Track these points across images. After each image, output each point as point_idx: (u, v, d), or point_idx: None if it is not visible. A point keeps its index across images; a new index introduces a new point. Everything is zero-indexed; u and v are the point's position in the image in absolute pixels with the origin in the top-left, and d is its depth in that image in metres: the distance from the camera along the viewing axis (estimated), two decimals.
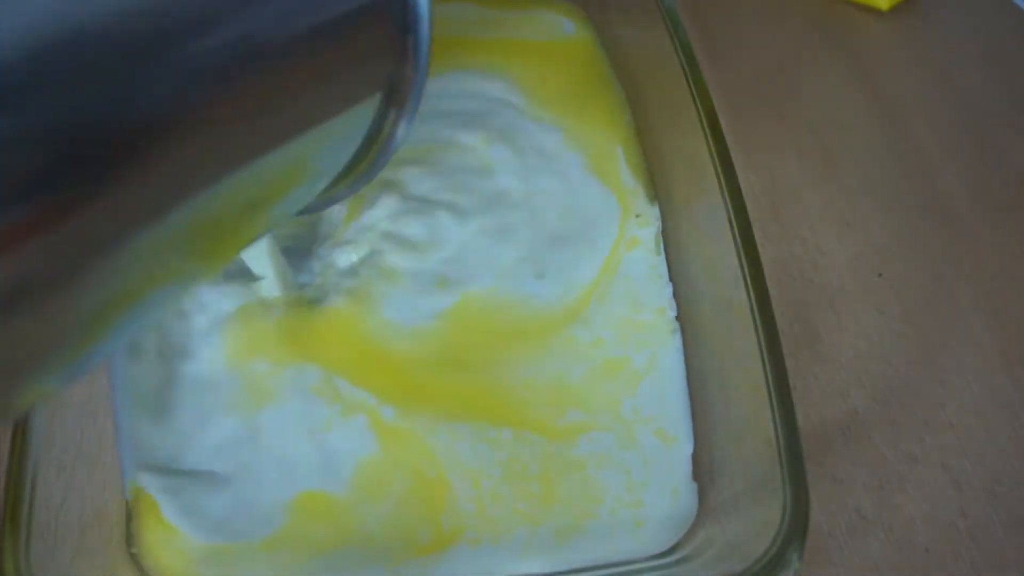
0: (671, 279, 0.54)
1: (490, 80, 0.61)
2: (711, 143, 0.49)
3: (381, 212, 0.53)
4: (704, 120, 0.50)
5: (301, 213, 0.44)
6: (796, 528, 0.38)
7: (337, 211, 0.54)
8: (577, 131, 0.58)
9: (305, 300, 0.50)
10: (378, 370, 0.49)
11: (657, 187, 0.57)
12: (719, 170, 0.48)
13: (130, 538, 0.43)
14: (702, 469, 0.48)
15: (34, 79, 0.24)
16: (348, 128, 0.39)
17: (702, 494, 0.47)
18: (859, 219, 0.63)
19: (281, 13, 0.32)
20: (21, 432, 0.37)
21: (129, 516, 0.44)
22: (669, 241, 0.55)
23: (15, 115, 0.23)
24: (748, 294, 0.44)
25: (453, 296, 0.52)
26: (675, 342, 0.52)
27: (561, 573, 0.44)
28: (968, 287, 0.60)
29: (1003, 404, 0.55)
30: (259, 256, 0.48)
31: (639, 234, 0.55)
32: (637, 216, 0.55)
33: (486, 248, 0.54)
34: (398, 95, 0.40)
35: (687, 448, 0.48)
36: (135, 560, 0.42)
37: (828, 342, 0.56)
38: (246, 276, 0.49)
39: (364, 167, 0.43)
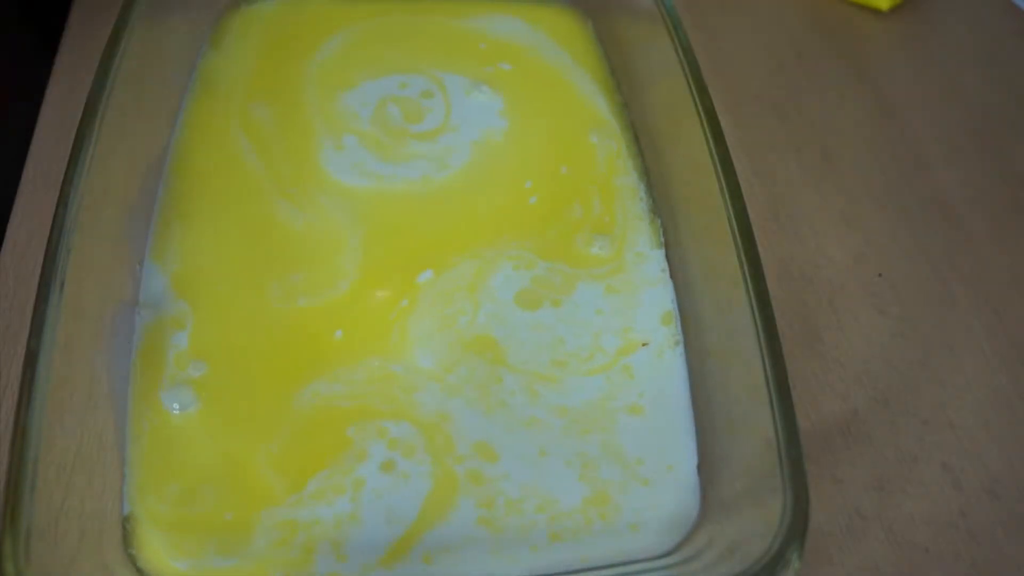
0: (672, 278, 0.54)
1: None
2: (711, 143, 0.49)
3: None
4: (704, 120, 0.50)
5: None
6: (796, 528, 0.38)
7: None
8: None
9: None
10: None
11: (656, 188, 0.57)
12: (719, 170, 0.48)
13: (128, 539, 0.43)
14: (703, 469, 0.48)
15: None
16: None
17: (703, 495, 0.47)
18: (859, 219, 0.63)
19: None
20: (21, 433, 0.37)
21: (127, 519, 0.44)
22: (669, 241, 0.55)
23: None
24: (748, 294, 0.45)
25: None
26: (677, 340, 0.52)
27: (563, 573, 0.44)
28: (968, 287, 0.60)
29: (1003, 404, 0.55)
30: None
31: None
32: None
33: None
34: None
35: (691, 450, 0.48)
36: (133, 561, 0.42)
37: (828, 342, 0.57)
38: None
39: None
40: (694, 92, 0.51)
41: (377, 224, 0.55)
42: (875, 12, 0.77)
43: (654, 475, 0.47)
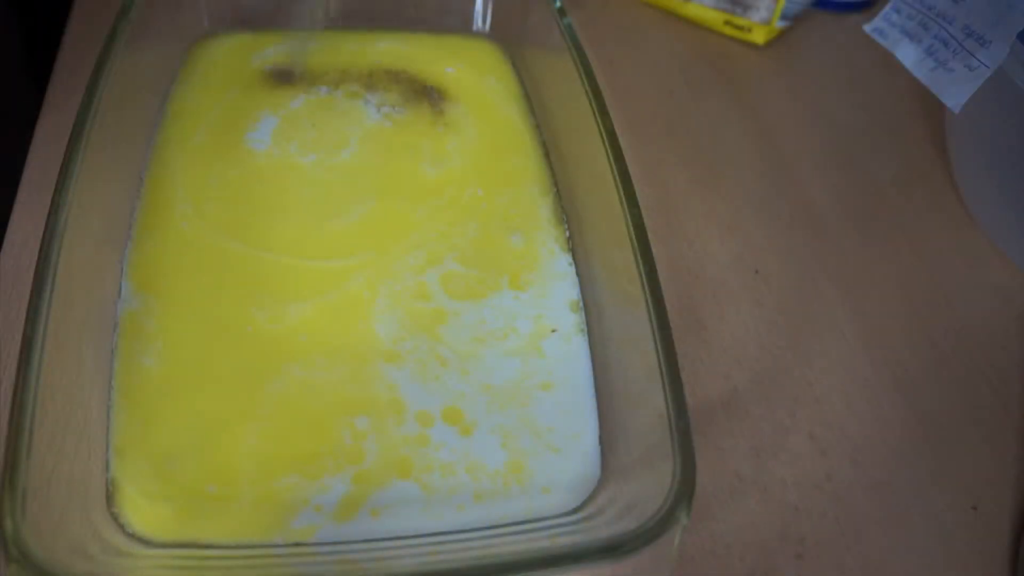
0: (577, 274, 0.55)
1: None
2: (612, 159, 0.50)
3: None
4: (606, 139, 0.51)
5: None
6: (684, 490, 0.39)
7: None
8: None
9: None
10: None
11: (564, 199, 0.58)
12: (619, 183, 0.49)
13: (111, 500, 0.43)
14: (604, 439, 0.48)
15: None
16: None
17: (604, 461, 0.48)
18: (739, 224, 0.64)
19: None
20: (18, 407, 0.38)
21: (111, 482, 0.44)
22: (576, 245, 0.56)
23: None
24: (644, 289, 0.45)
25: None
26: (582, 328, 0.53)
27: (484, 528, 0.45)
28: (833, 283, 0.61)
29: (862, 382, 0.56)
30: None
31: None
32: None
33: None
34: None
35: (594, 422, 0.49)
36: (115, 519, 0.43)
37: (712, 329, 0.58)
38: None
39: None
40: (597, 115, 0.52)
41: (337, 237, 0.55)
42: (752, 46, 0.78)
43: (562, 443, 0.48)
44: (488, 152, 0.61)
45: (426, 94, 0.63)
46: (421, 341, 0.51)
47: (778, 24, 0.76)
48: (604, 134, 0.51)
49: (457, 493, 0.46)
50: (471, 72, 0.66)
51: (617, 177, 0.49)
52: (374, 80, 0.64)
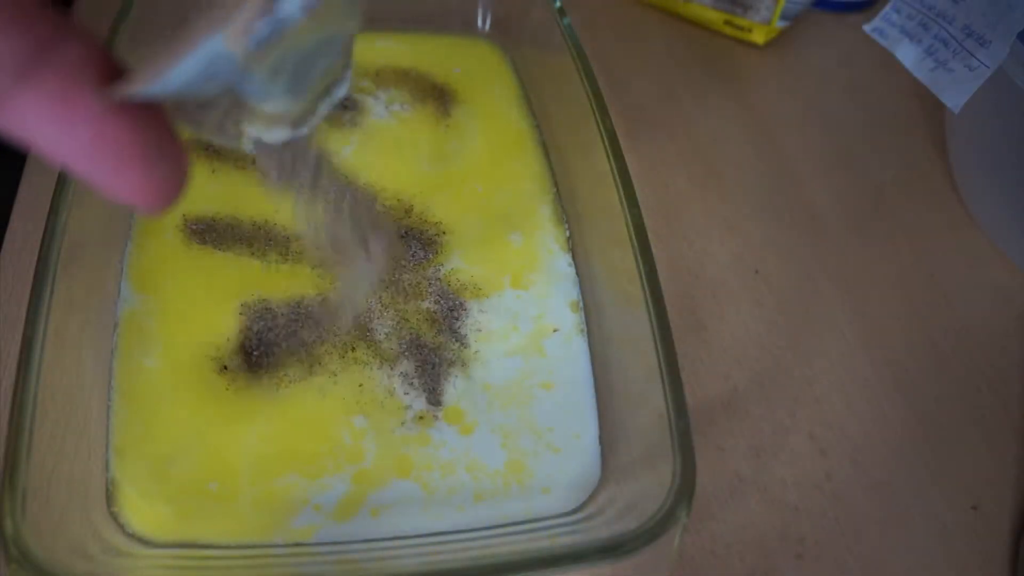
0: (578, 274, 0.55)
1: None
2: (612, 160, 0.50)
3: None
4: (606, 140, 0.51)
5: None
6: (685, 489, 0.39)
7: None
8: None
9: None
10: None
11: (564, 199, 0.58)
12: (619, 183, 0.49)
13: (110, 499, 0.43)
14: (604, 439, 0.49)
15: None
16: None
17: (604, 461, 0.48)
18: (739, 224, 0.64)
19: None
20: (17, 407, 0.38)
21: (110, 482, 0.44)
22: (576, 245, 0.56)
23: None
24: (644, 290, 0.45)
25: None
26: (583, 328, 0.53)
27: (484, 528, 0.45)
28: (833, 283, 0.62)
29: (862, 382, 0.56)
30: None
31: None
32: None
33: None
34: None
35: (594, 422, 0.49)
36: (115, 519, 0.43)
37: (712, 330, 0.58)
38: None
39: None
40: (597, 115, 0.52)
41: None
42: (752, 46, 0.78)
43: (562, 443, 0.48)
44: (489, 152, 0.61)
45: (434, 94, 0.63)
46: (421, 340, 0.51)
47: (778, 24, 0.76)
48: (604, 134, 0.52)
49: (457, 493, 0.46)
50: (474, 72, 0.66)
51: (617, 177, 0.50)
52: (383, 78, 0.64)
